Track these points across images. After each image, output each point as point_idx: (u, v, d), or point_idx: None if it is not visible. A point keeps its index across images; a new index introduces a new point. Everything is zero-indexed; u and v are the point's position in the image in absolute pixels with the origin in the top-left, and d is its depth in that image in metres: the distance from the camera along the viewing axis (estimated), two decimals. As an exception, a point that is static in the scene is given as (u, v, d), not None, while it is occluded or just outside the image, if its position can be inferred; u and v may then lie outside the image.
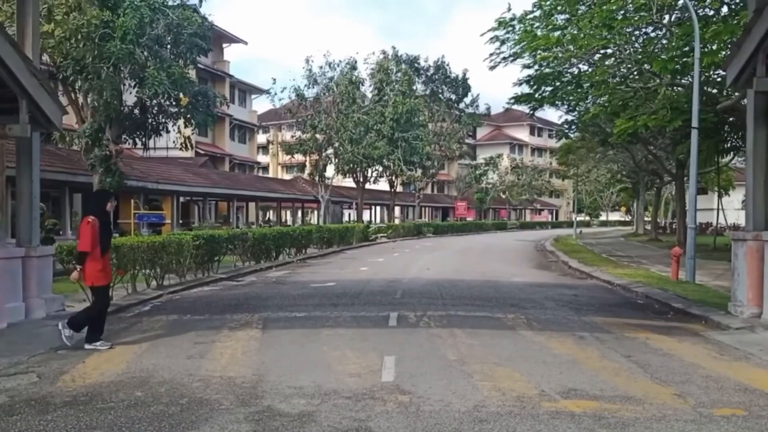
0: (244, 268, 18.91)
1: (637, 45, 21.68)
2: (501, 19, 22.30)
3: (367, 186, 48.98)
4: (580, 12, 20.96)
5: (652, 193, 52.00)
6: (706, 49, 17.76)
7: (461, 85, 56.99)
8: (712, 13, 20.31)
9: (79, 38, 18.70)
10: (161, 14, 20.11)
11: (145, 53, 19.93)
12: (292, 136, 47.10)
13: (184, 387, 6.02)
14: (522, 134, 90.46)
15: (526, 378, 6.34)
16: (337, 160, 44.23)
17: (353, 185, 49.67)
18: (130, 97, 22.03)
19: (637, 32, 21.63)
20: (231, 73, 50.32)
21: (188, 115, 22.35)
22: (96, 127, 20.24)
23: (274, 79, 65.58)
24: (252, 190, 41.34)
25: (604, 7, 19.43)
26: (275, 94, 55.70)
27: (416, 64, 53.58)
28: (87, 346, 7.75)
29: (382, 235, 41.58)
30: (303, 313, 10.62)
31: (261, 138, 61.65)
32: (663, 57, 19.67)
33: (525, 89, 24.42)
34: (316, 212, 52.18)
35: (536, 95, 24.23)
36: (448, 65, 56.29)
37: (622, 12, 19.79)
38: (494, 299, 12.59)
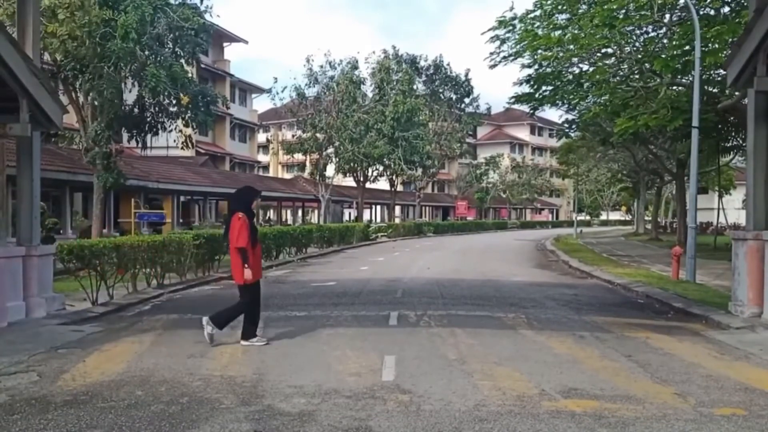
0: (244, 268, 18.88)
1: (637, 44, 21.68)
2: (502, 18, 22.29)
3: (368, 185, 48.98)
4: (580, 11, 20.95)
5: (653, 192, 51.99)
6: (707, 49, 17.74)
7: (463, 86, 56.96)
8: (713, 13, 20.29)
9: (83, 38, 18.69)
10: (163, 13, 20.10)
11: (146, 52, 19.92)
12: (293, 136, 47.13)
13: (184, 386, 6.02)
14: (522, 133, 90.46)
15: (526, 377, 6.34)
16: (337, 160, 44.21)
17: (354, 184, 49.65)
18: (130, 96, 22.03)
19: (638, 31, 21.62)
20: (231, 73, 50.38)
21: (188, 114, 22.35)
22: (103, 126, 20.26)
23: (275, 78, 65.47)
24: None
25: (605, 7, 19.41)
26: (276, 93, 55.53)
27: (416, 64, 53.55)
28: (243, 343, 7.77)
29: (382, 234, 41.57)
30: (303, 313, 10.62)
31: (261, 137, 61.65)
32: (664, 56, 19.67)
33: (525, 89, 24.41)
34: (316, 211, 52.21)
35: (536, 95, 24.21)
36: (448, 65, 56.35)
37: (623, 11, 19.78)
38: (494, 298, 12.59)
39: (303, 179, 49.45)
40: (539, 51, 21.52)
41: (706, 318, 10.15)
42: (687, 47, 18.47)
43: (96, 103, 20.44)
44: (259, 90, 53.74)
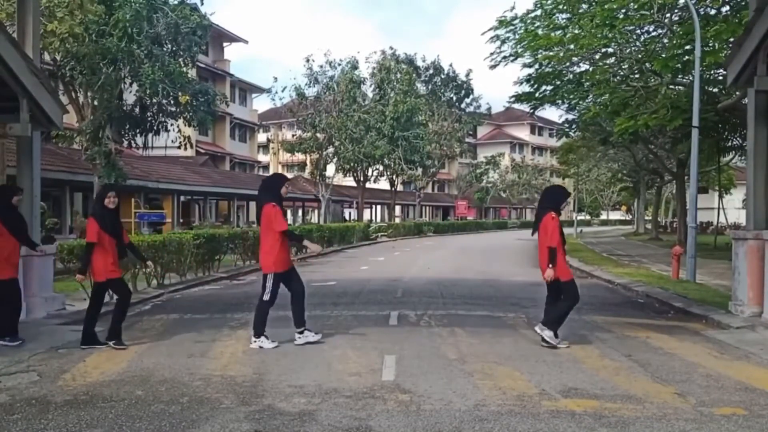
0: (244, 267, 18.90)
1: (638, 44, 21.69)
2: (502, 18, 22.31)
3: (368, 185, 48.97)
4: (581, 11, 20.95)
5: (653, 192, 51.97)
6: (707, 48, 17.74)
7: (464, 87, 56.93)
8: (713, 12, 20.30)
9: (82, 37, 18.66)
10: (161, 12, 20.07)
11: (144, 51, 19.90)
12: (293, 135, 47.13)
13: (184, 386, 6.02)
14: (522, 133, 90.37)
15: (526, 377, 6.34)
16: (337, 159, 44.22)
17: (354, 184, 49.65)
18: (130, 96, 22.01)
19: (638, 31, 21.62)
20: (231, 72, 50.31)
21: (188, 114, 22.33)
22: (97, 124, 20.23)
23: (275, 78, 65.89)
24: (253, 189, 41.21)
25: (606, 6, 19.42)
26: (276, 93, 55.81)
27: (414, 64, 53.52)
28: (545, 339, 7.73)
29: (382, 234, 41.57)
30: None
31: (261, 137, 61.63)
32: (664, 56, 19.68)
33: (525, 88, 24.46)
34: (316, 211, 52.21)
35: (537, 94, 24.25)
36: (450, 66, 56.43)
37: (623, 11, 19.78)
38: (495, 298, 12.59)
39: (303, 179, 49.44)
40: (540, 51, 21.53)
41: (706, 318, 10.15)
42: (687, 47, 18.47)
43: (95, 102, 20.43)
44: (259, 90, 53.73)
